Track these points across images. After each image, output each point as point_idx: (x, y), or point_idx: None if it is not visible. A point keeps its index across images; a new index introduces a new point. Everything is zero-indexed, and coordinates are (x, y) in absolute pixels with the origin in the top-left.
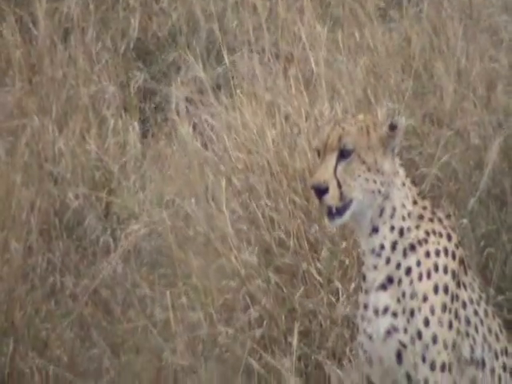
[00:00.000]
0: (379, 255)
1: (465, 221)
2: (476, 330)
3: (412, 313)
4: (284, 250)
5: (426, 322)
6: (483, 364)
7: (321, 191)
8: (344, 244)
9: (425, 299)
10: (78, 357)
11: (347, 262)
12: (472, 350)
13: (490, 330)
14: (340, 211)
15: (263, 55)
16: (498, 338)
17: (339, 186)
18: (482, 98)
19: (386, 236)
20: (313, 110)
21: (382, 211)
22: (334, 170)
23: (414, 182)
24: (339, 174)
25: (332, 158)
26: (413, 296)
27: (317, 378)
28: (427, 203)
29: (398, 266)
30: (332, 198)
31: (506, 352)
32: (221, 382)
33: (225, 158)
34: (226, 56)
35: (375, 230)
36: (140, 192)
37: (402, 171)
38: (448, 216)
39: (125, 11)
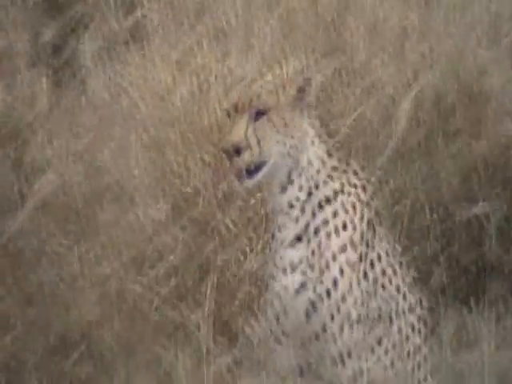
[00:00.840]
0: (288, 214)
1: (373, 179)
2: (390, 282)
3: (327, 265)
4: (194, 206)
5: (335, 282)
6: (390, 322)
7: (236, 151)
8: (253, 200)
9: (333, 259)
10: None
11: (256, 218)
12: (379, 308)
13: (398, 289)
14: (251, 173)
15: (174, 8)
16: (405, 295)
17: (250, 147)
18: (392, 55)
19: (295, 195)
20: (223, 66)
21: (290, 171)
22: (245, 131)
23: (329, 134)
24: (250, 135)
25: (244, 120)
26: (321, 256)
27: (228, 335)
28: (341, 155)
29: (314, 214)
30: (249, 157)
31: (420, 304)
32: (130, 339)
33: (134, 113)
34: (139, 10)
35: (284, 189)
36: (48, 146)
37: (310, 129)
38: (362, 168)
39: None
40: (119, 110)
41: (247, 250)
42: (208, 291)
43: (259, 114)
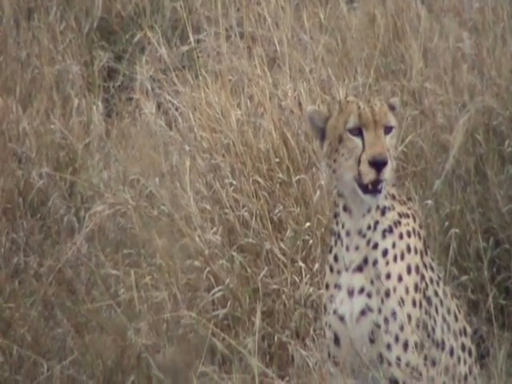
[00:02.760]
0: (364, 236)
1: (429, 202)
2: (436, 310)
3: (387, 293)
4: (247, 230)
5: (401, 302)
6: (443, 344)
7: (382, 164)
8: (308, 224)
9: (399, 279)
10: (41, 336)
11: (311, 242)
12: (433, 330)
13: (448, 311)
14: (377, 190)
15: (228, 34)
16: (456, 319)
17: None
18: (447, 78)
19: (373, 216)
20: (277, 89)
21: None
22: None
23: None
24: (389, 148)
25: (382, 134)
26: (388, 277)
27: (280, 359)
28: (393, 188)
29: (376, 246)
30: (390, 171)
31: (464, 332)
32: (184, 363)
33: (189, 138)
34: (190, 35)
35: (369, 209)
36: (104, 171)
37: None
38: (408, 199)
39: None
40: (174, 135)
41: (303, 272)
42: (258, 316)
43: (391, 129)
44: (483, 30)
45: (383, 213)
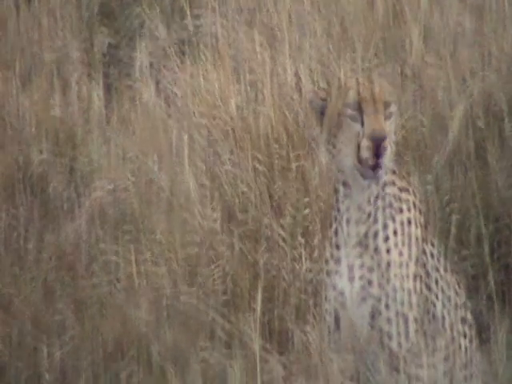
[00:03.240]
0: (364, 210)
1: (429, 187)
2: (436, 284)
3: (387, 267)
4: (246, 212)
5: (402, 276)
6: (443, 318)
7: (381, 139)
8: (307, 199)
9: (400, 253)
10: (41, 312)
11: (310, 217)
12: (433, 305)
13: (448, 285)
14: (379, 174)
15: (227, 13)
16: (456, 293)
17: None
18: (447, 54)
19: (372, 191)
20: (276, 67)
21: None
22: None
23: None
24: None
25: (382, 109)
26: (388, 250)
27: (280, 335)
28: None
29: (376, 220)
30: (389, 156)
31: (465, 306)
32: (184, 339)
33: (189, 115)
34: (190, 19)
35: (369, 185)
36: (103, 147)
37: None
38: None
39: None
40: (173, 117)
41: (301, 256)
42: (259, 297)
43: (390, 106)
44: (484, 9)
45: (383, 188)
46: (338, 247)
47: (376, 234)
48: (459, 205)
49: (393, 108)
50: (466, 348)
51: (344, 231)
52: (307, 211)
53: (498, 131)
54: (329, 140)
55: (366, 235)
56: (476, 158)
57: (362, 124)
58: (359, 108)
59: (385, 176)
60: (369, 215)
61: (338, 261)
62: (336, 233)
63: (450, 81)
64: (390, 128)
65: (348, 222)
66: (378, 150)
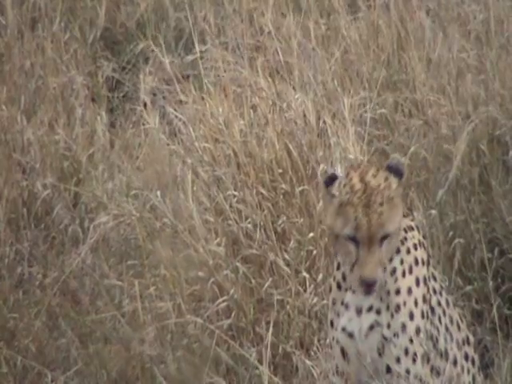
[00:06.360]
0: None
1: (433, 212)
2: (439, 320)
3: (397, 308)
4: (251, 241)
5: (411, 316)
6: (446, 354)
7: (371, 283)
8: (311, 234)
9: (409, 293)
10: (46, 347)
11: (315, 252)
12: (436, 340)
13: (451, 320)
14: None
15: (233, 45)
16: (459, 328)
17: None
18: (451, 89)
19: None
20: (281, 101)
21: None
22: (380, 260)
23: None
24: (384, 259)
25: (378, 249)
26: (397, 292)
27: (284, 369)
28: None
29: (384, 269)
30: (380, 284)
31: (467, 341)
32: (189, 372)
33: (192, 150)
34: (196, 45)
35: None
36: (108, 182)
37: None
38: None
39: (92, 0)
40: (176, 147)
41: (307, 282)
42: (269, 334)
43: (389, 235)
44: (487, 41)
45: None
46: (346, 290)
47: (385, 281)
48: (463, 229)
49: (391, 228)
50: None
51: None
52: (311, 247)
53: (502, 160)
54: (328, 235)
55: None
56: (479, 183)
57: (358, 247)
58: (355, 239)
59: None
60: None
61: (346, 305)
62: (344, 277)
63: (454, 114)
64: (387, 248)
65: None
66: (368, 288)
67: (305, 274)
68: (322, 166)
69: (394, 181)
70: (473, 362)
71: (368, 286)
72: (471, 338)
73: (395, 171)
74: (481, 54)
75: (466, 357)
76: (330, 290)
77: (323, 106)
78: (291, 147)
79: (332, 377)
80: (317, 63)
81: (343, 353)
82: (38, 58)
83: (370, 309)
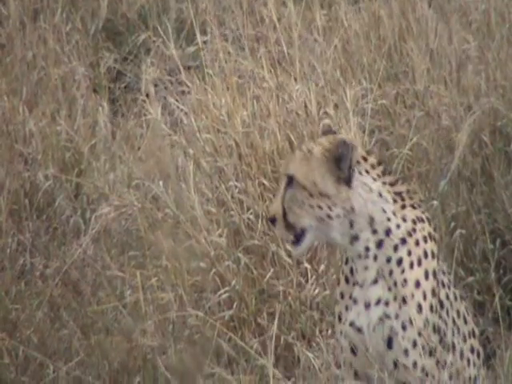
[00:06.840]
0: (367, 257)
1: (435, 202)
2: (447, 313)
3: (404, 300)
4: (253, 232)
5: (420, 308)
6: (453, 347)
7: (273, 224)
8: None
9: (417, 285)
10: (47, 338)
11: (316, 243)
12: (444, 333)
13: (458, 314)
14: (297, 240)
15: (234, 36)
16: (465, 321)
17: (285, 215)
18: (452, 80)
19: (368, 239)
20: (283, 92)
21: (351, 224)
22: (282, 199)
23: (386, 171)
24: (286, 202)
25: (282, 187)
26: (404, 283)
27: (286, 360)
28: (403, 188)
29: (389, 259)
30: (278, 230)
31: (473, 334)
32: (191, 363)
33: (193, 141)
34: (198, 36)
35: (355, 238)
36: (110, 173)
37: (375, 184)
38: (420, 200)
39: None
40: (179, 136)
41: (309, 273)
42: (276, 317)
43: (292, 179)
44: (488, 32)
45: (388, 233)
46: (354, 284)
47: (391, 271)
48: (465, 219)
49: (292, 170)
50: (475, 377)
51: (357, 274)
52: None
53: (504, 151)
54: None
55: (379, 273)
56: (481, 174)
57: None
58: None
59: (388, 222)
60: (375, 257)
61: (354, 299)
62: (351, 271)
63: (455, 105)
64: (290, 196)
65: (357, 269)
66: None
67: (306, 264)
68: None
69: (324, 153)
70: (478, 355)
71: (271, 222)
72: (476, 331)
73: (340, 156)
74: (482, 44)
75: (472, 350)
76: (338, 283)
77: (325, 96)
78: (293, 138)
79: (336, 369)
80: (318, 54)
81: (351, 347)
82: (39, 49)
83: (378, 302)
